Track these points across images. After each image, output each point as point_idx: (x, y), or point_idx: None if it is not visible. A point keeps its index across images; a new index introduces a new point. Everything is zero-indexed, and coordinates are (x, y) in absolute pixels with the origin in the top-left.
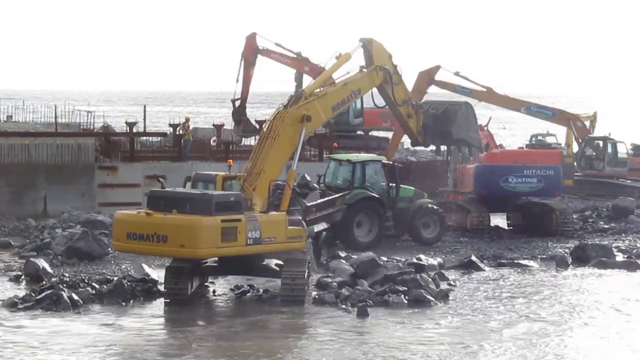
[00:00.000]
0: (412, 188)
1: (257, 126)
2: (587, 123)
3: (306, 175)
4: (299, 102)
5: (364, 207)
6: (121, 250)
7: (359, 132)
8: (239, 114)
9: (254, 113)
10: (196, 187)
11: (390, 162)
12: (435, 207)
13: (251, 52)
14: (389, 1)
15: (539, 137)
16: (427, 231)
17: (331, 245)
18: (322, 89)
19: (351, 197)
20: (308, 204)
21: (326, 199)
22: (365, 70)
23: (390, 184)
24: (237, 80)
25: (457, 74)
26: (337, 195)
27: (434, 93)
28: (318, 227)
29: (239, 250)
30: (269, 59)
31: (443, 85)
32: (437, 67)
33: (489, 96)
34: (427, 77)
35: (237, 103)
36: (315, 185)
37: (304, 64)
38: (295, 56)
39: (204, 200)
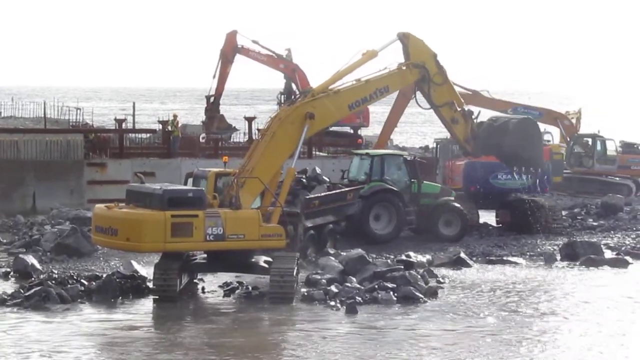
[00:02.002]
0: (439, 185)
1: (249, 124)
2: (574, 120)
3: (316, 168)
4: (304, 100)
5: (379, 200)
6: (94, 243)
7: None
8: (212, 110)
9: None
10: (198, 184)
11: (412, 158)
12: (457, 205)
13: (230, 50)
14: (375, 3)
15: None
16: (449, 229)
17: (336, 238)
18: (339, 85)
19: (367, 189)
20: (308, 197)
21: (333, 192)
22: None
23: (412, 180)
24: (214, 77)
25: None
26: (347, 189)
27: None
28: (318, 221)
29: (195, 247)
30: (247, 57)
31: None
32: None
33: (475, 99)
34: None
35: (212, 100)
36: (325, 178)
37: (278, 62)
38: (270, 54)
39: (157, 195)
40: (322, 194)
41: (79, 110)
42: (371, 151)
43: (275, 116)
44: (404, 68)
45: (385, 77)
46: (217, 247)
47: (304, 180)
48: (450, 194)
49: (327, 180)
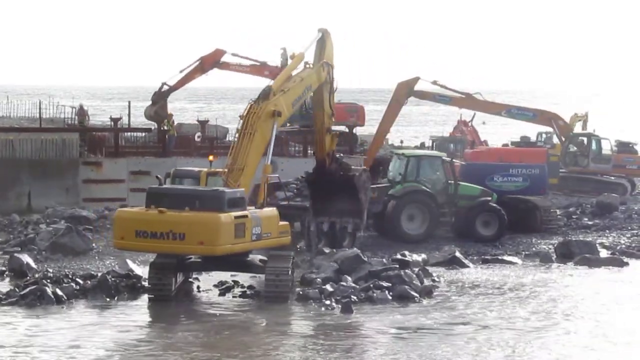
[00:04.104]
0: (479, 187)
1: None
2: (580, 123)
3: None
4: (269, 98)
5: (411, 200)
6: (127, 249)
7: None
8: (160, 97)
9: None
10: (175, 183)
11: (449, 159)
12: (495, 206)
13: (210, 63)
14: (361, 7)
15: (544, 134)
16: (486, 229)
17: (354, 235)
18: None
19: (399, 189)
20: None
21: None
22: (310, 65)
23: (450, 181)
24: (181, 72)
25: (435, 82)
26: (372, 187)
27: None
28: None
29: (246, 247)
30: (228, 70)
31: (422, 95)
32: (417, 79)
33: (469, 102)
34: (406, 89)
35: (164, 88)
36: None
37: (262, 69)
38: (253, 63)
39: (215, 196)
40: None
41: (74, 109)
42: (407, 152)
43: (249, 114)
44: (319, 67)
45: (309, 75)
46: (256, 247)
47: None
48: (490, 196)
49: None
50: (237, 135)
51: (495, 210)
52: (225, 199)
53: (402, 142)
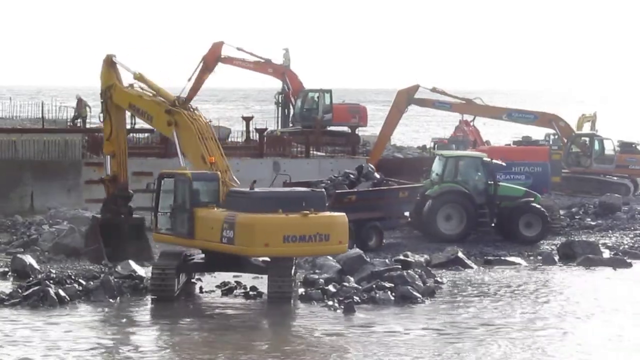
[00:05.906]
0: (523, 189)
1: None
2: (589, 124)
3: (370, 166)
4: (187, 107)
5: (447, 201)
6: (272, 255)
7: (344, 129)
8: None
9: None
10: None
11: (489, 160)
12: (537, 206)
13: (212, 59)
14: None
15: (552, 135)
16: (529, 230)
17: (382, 234)
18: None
19: (436, 190)
20: (339, 192)
21: (375, 188)
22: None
23: (490, 182)
24: (189, 80)
25: (434, 89)
26: (398, 187)
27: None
28: (354, 216)
29: None
30: (231, 65)
31: (422, 102)
32: (416, 86)
33: (469, 108)
34: (406, 96)
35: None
36: (377, 175)
37: (266, 66)
38: (257, 59)
39: (321, 197)
40: (357, 190)
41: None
42: (446, 152)
43: (197, 121)
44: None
45: None
46: None
47: (352, 176)
48: (535, 197)
49: (377, 177)
50: (204, 139)
51: (538, 211)
52: (326, 198)
53: (436, 143)
